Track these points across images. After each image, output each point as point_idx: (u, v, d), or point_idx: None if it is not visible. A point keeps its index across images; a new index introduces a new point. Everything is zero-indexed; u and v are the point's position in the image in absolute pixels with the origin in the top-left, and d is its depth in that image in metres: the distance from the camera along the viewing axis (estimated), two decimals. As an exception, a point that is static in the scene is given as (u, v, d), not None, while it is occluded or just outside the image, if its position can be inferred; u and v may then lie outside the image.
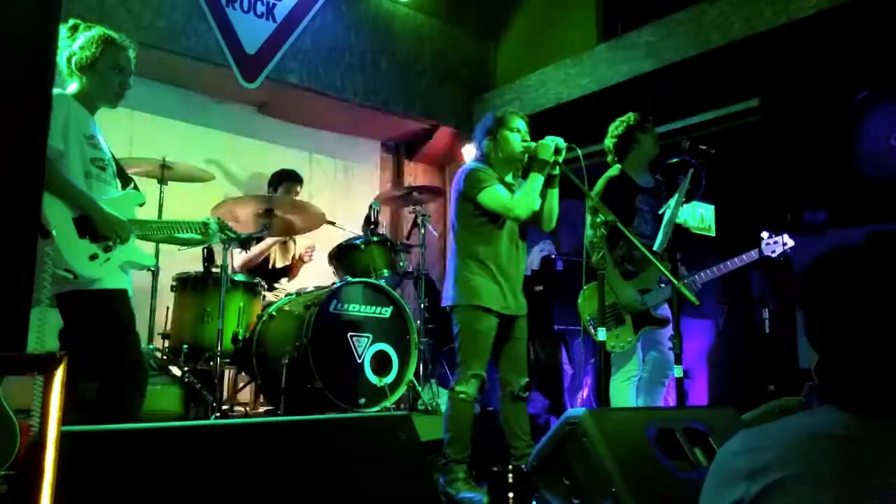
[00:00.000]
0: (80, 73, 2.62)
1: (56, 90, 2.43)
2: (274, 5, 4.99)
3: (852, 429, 1.07)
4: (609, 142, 3.77)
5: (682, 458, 2.14)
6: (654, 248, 3.34)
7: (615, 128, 3.76)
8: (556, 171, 3.18)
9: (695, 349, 4.39)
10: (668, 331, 3.38)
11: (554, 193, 3.23)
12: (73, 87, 2.64)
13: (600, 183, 3.66)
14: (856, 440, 1.06)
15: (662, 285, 3.48)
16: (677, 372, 3.10)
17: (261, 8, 4.92)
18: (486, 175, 3.16)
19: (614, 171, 3.71)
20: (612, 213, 2.86)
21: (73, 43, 2.61)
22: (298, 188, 4.96)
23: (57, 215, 2.43)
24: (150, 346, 3.97)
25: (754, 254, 3.54)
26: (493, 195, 3.11)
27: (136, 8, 4.35)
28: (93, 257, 2.52)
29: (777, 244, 3.51)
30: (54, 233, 2.40)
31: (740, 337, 4.31)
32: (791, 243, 3.52)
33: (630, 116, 3.74)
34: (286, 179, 4.93)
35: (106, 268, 2.55)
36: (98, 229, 2.53)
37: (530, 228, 3.38)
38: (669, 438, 2.18)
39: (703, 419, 2.30)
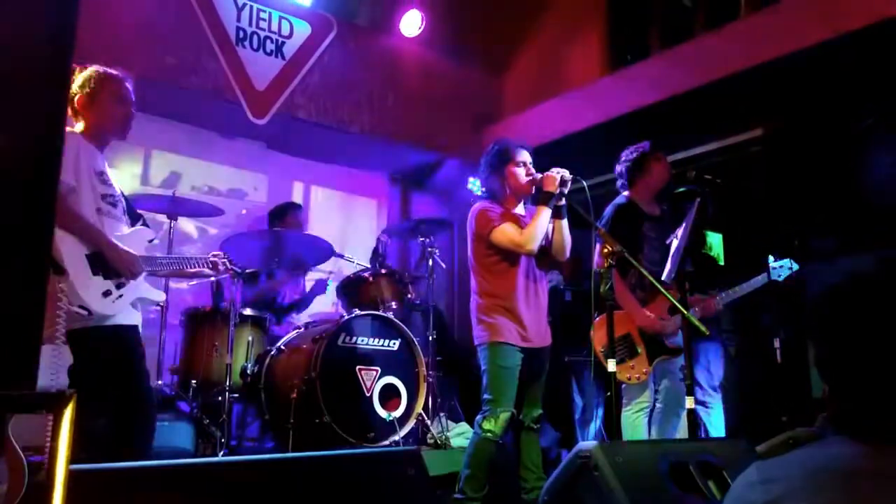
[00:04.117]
0: (83, 112, 2.67)
1: (66, 129, 2.47)
2: (283, 43, 5.08)
3: (866, 460, 1.06)
4: (620, 166, 3.77)
5: (695, 491, 2.11)
6: (663, 277, 3.33)
7: (629, 153, 3.76)
8: (563, 203, 3.19)
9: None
10: (681, 360, 3.35)
11: (563, 224, 3.24)
12: (79, 126, 2.68)
13: (608, 211, 3.67)
14: (869, 472, 1.05)
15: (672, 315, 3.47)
16: (689, 403, 3.06)
17: (270, 46, 5.01)
18: (495, 213, 3.18)
19: (621, 199, 3.71)
20: (621, 242, 2.86)
21: (72, 85, 2.66)
22: (300, 216, 4.98)
23: (70, 252, 2.45)
24: (159, 382, 3.97)
25: (764, 278, 3.53)
26: (503, 233, 3.12)
27: (148, 46, 4.44)
28: (106, 294, 2.53)
29: (783, 268, 3.50)
30: (68, 269, 2.41)
31: (752, 367, 4.26)
32: (796, 267, 3.51)
33: (645, 144, 3.75)
34: (286, 212, 4.95)
35: (119, 304, 2.56)
36: (111, 265, 2.54)
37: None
38: (682, 471, 2.15)
39: (716, 451, 2.27)
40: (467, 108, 6.18)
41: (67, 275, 2.41)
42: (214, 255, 3.08)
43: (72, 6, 1.26)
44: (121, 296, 2.57)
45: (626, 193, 3.75)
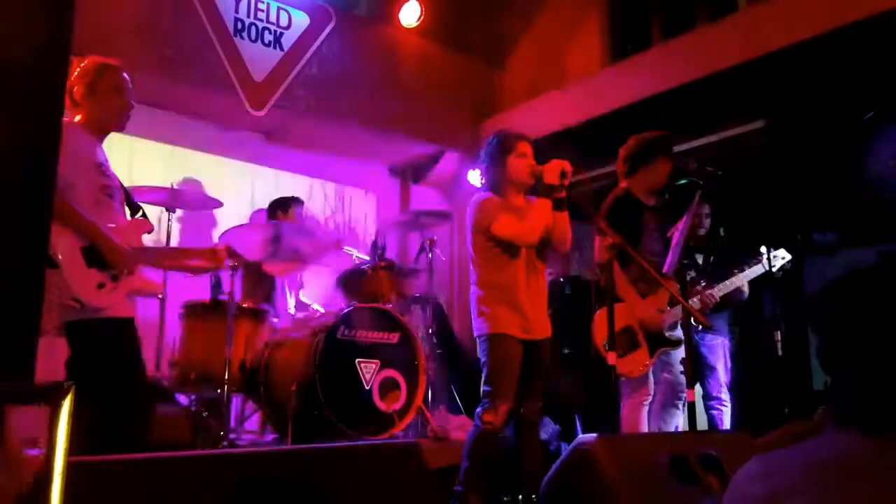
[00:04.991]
0: (82, 103, 2.65)
1: (64, 119, 2.45)
2: (281, 34, 5.06)
3: (868, 453, 1.06)
4: (626, 150, 3.70)
5: (695, 484, 2.11)
6: (664, 269, 3.32)
7: (641, 140, 3.66)
8: (564, 195, 3.17)
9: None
10: (681, 352, 3.35)
11: (564, 217, 3.22)
12: (78, 117, 2.67)
13: (607, 202, 3.65)
14: (871, 465, 1.05)
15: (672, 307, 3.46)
16: (690, 395, 3.06)
17: (268, 37, 4.99)
18: (495, 204, 3.16)
19: (620, 189, 3.69)
20: (620, 233, 2.85)
21: (70, 76, 2.64)
22: (299, 209, 4.96)
23: (64, 244, 2.44)
24: (158, 374, 3.96)
25: (759, 268, 3.52)
26: (504, 225, 3.11)
27: (145, 37, 4.41)
28: (100, 286, 2.52)
29: (775, 258, 3.50)
30: (62, 262, 2.40)
31: (753, 360, 4.27)
32: (789, 257, 3.51)
33: (657, 134, 3.66)
34: (286, 205, 4.93)
35: (113, 297, 2.55)
36: (105, 258, 2.53)
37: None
38: (683, 464, 2.14)
39: (716, 444, 2.26)
40: (467, 99, 6.15)
41: (62, 268, 2.40)
42: (215, 247, 3.07)
43: (68, -1, 1.25)
44: (115, 288, 2.56)
45: (623, 184, 3.72)
